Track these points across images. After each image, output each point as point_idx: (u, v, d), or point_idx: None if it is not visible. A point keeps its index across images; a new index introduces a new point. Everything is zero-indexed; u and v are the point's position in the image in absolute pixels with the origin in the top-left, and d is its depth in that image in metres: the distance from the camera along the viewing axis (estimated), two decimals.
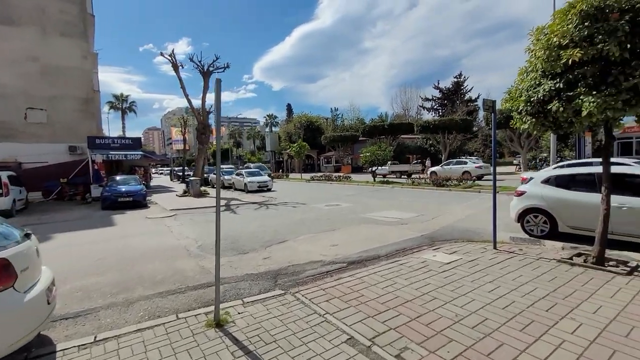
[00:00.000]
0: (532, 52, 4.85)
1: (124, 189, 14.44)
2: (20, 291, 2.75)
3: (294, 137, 49.54)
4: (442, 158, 32.54)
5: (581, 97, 4.19)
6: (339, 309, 3.80)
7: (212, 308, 3.78)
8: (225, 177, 25.25)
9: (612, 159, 6.23)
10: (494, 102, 5.90)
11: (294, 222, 9.60)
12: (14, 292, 2.68)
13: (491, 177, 22.63)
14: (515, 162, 34.34)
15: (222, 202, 14.93)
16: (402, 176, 28.16)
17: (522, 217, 7.08)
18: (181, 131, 39.07)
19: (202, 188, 20.27)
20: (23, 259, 2.89)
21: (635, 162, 9.26)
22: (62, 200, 18.56)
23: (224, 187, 24.74)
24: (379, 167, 25.54)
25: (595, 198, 5.92)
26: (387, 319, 3.52)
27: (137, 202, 14.23)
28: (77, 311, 4.03)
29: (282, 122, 75.62)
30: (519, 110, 5.10)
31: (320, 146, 48.51)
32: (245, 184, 21.00)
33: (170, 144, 67.87)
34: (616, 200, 5.43)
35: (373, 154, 23.36)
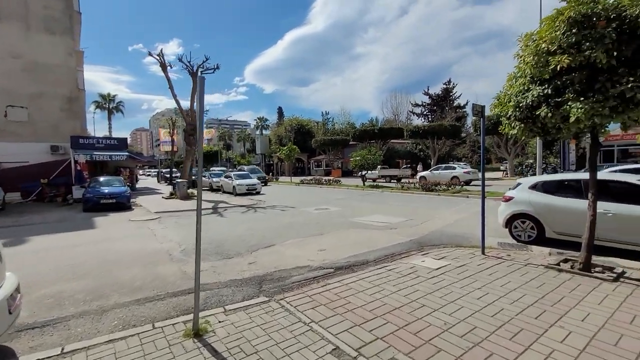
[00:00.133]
0: (521, 57, 4.85)
1: (106, 191, 14.00)
2: None
3: (284, 140, 49.35)
4: (431, 163, 32.87)
5: (569, 104, 4.20)
6: (325, 317, 3.66)
7: (191, 316, 3.59)
8: (214, 179, 24.89)
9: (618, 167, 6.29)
10: (483, 107, 5.89)
11: (282, 226, 9.43)
12: None
13: (479, 182, 22.91)
14: (502, 168, 34.95)
15: (209, 205, 14.64)
16: (392, 180, 28.27)
17: (509, 222, 7.09)
18: (169, 132, 38.42)
19: (190, 190, 19.88)
20: None
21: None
22: (42, 201, 17.91)
23: (212, 190, 24.36)
24: (369, 172, 25.58)
25: (580, 204, 5.97)
26: (374, 327, 3.40)
27: (121, 204, 13.81)
28: (46, 320, 3.78)
29: (273, 125, 75.34)
30: (507, 116, 5.10)
31: (311, 150, 48.45)
32: (233, 186, 20.70)
33: (159, 145, 66.75)
34: (601, 206, 5.46)
35: (363, 158, 23.38)
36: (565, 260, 5.32)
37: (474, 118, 36.33)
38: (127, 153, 21.90)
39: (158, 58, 18.29)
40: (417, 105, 56.12)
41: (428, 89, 55.04)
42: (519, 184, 7.27)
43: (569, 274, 4.86)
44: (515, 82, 5.03)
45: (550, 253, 6.03)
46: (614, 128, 5.18)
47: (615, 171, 10.18)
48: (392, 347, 3.02)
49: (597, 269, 4.91)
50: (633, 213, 5.44)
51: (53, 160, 19.52)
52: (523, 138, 5.35)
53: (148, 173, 64.31)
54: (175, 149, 42.16)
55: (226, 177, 22.91)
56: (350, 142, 43.16)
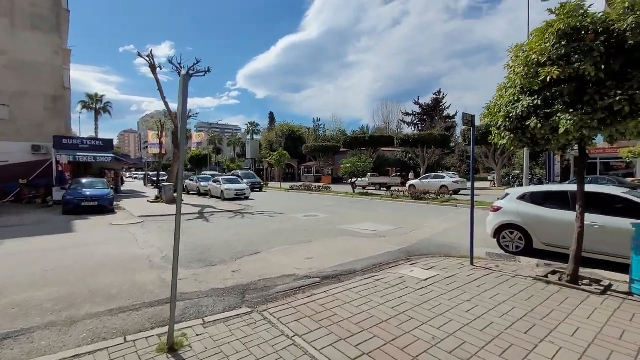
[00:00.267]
0: (511, 68, 4.87)
1: (88, 193, 13.53)
2: None
3: (275, 146, 49.11)
4: (421, 172, 33.13)
5: (558, 115, 4.19)
6: (310, 330, 3.49)
7: (167, 329, 3.37)
8: (202, 183, 24.47)
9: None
10: (473, 116, 5.89)
11: (270, 233, 9.23)
12: None
13: (467, 191, 23.04)
14: (489, 178, 35.50)
15: (195, 210, 14.31)
16: (382, 188, 28.31)
17: (498, 232, 7.07)
18: (158, 135, 37.80)
19: (176, 194, 19.47)
20: None
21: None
22: (21, 202, 17.22)
23: (200, 194, 23.92)
24: (359, 179, 25.57)
25: (568, 216, 5.98)
26: (360, 342, 3.25)
27: (103, 207, 13.35)
28: (7, 332, 3.50)
29: (264, 130, 75.12)
30: (497, 126, 5.09)
31: (301, 156, 48.32)
32: (222, 191, 20.36)
33: (146, 147, 65.58)
34: (588, 218, 5.47)
35: (353, 165, 23.37)
36: (553, 272, 5.30)
37: (463, 128, 36.94)
38: (112, 155, 21.35)
39: (147, 59, 17.99)
40: (407, 114, 56.84)
41: (419, 99, 55.92)
42: (507, 194, 7.28)
43: (557, 286, 4.82)
44: (505, 92, 5.03)
45: (538, 264, 6.01)
46: (599, 141, 5.20)
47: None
48: None
49: (584, 282, 4.89)
50: (619, 226, 5.46)
51: (34, 160, 18.85)
52: (512, 148, 5.35)
53: (135, 176, 63.01)
54: (163, 151, 41.46)
55: (214, 181, 22.53)
56: (341, 149, 43.23)
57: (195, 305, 4.24)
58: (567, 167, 27.65)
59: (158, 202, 18.13)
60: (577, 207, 4.88)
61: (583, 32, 4.13)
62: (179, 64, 18.67)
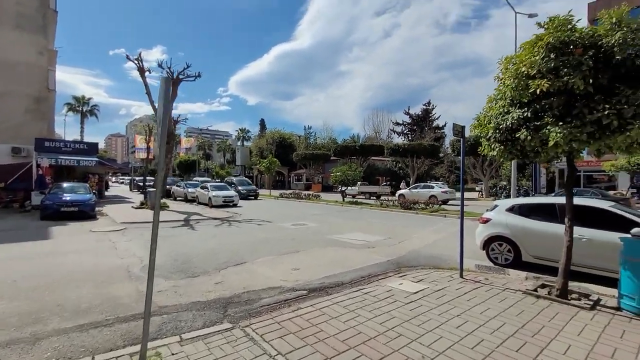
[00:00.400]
0: (501, 80, 4.87)
1: (68, 198, 13.01)
2: None
3: (265, 153, 48.83)
4: (410, 181, 33.34)
5: (548, 127, 4.18)
6: (294, 348, 3.30)
7: (140, 347, 3.13)
8: (189, 189, 24.00)
9: None
10: (463, 127, 5.87)
11: (256, 242, 8.99)
12: None
13: (455, 201, 23.17)
14: (477, 188, 35.98)
15: (181, 217, 13.93)
16: (371, 197, 28.32)
17: (487, 244, 7.03)
18: (145, 139, 37.10)
19: (162, 201, 18.99)
20: None
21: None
22: None
23: (187, 201, 23.43)
24: (349, 187, 25.53)
25: (556, 228, 5.98)
26: None
27: (84, 212, 12.86)
28: None
29: (255, 136, 74.78)
30: (487, 137, 5.07)
31: (292, 163, 48.16)
32: (209, 198, 19.98)
33: (134, 152, 64.43)
34: (576, 231, 5.44)
35: (344, 173, 23.33)
36: (543, 286, 5.24)
37: (452, 139, 37.49)
38: (96, 159, 20.79)
39: (136, 62, 17.68)
40: (398, 124, 57.51)
41: (409, 109, 56.73)
42: (496, 205, 7.27)
43: (547, 300, 4.75)
44: (495, 104, 5.03)
45: (527, 277, 5.96)
46: (583, 154, 5.21)
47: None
48: None
49: (573, 296, 4.84)
50: (606, 239, 5.47)
51: (14, 163, 18.14)
52: (501, 159, 5.33)
53: (121, 180, 61.68)
54: (151, 156, 40.72)
55: (202, 187, 22.11)
56: (332, 158, 43.28)
57: (173, 320, 3.99)
58: (552, 179, 28.24)
59: (143, 208, 17.64)
60: (566, 220, 4.85)
61: (571, 47, 4.16)
62: (169, 67, 18.42)
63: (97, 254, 7.32)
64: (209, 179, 33.39)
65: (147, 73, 18.70)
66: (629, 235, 4.45)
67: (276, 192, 32.66)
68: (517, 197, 18.17)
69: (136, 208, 17.70)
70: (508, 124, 4.62)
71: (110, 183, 47.16)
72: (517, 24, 16.01)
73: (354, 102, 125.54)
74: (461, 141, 5.95)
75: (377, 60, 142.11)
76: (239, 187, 26.68)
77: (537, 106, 4.39)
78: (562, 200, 6.16)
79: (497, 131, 4.81)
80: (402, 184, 32.49)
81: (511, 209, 6.86)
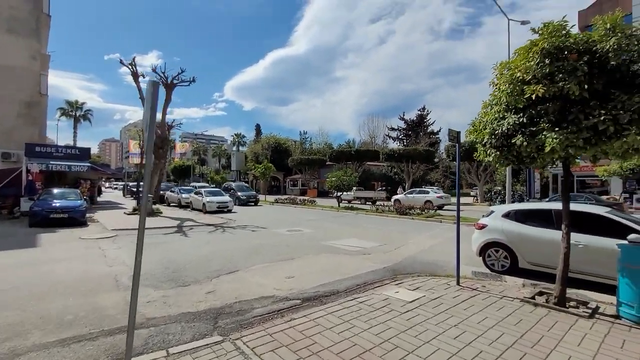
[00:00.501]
0: (496, 85, 4.84)
1: (57, 204, 12.73)
2: None
3: (260, 158, 48.67)
4: (406, 186, 33.38)
5: (544, 133, 4.14)
6: None
7: None
8: (183, 195, 23.74)
9: None
10: (458, 133, 5.83)
11: (250, 249, 8.83)
12: None
13: (451, 206, 23.13)
14: (472, 193, 36.13)
15: (174, 224, 13.72)
16: (367, 202, 28.26)
17: (483, 251, 6.96)
18: (139, 144, 36.81)
19: (155, 206, 18.74)
20: None
21: None
22: None
23: (181, 207, 23.16)
24: (344, 193, 25.45)
25: (552, 234, 5.94)
26: None
27: (74, 219, 12.58)
28: None
29: (250, 141, 74.57)
30: (483, 143, 5.02)
31: (287, 168, 48.03)
32: (203, 203, 19.75)
33: (128, 157, 63.88)
34: (572, 237, 5.40)
35: (339, 179, 23.25)
36: (540, 294, 5.16)
37: (447, 144, 37.71)
38: (88, 164, 20.48)
39: (130, 67, 17.57)
40: (393, 129, 57.74)
41: (404, 115, 57.00)
42: (492, 211, 7.22)
43: (545, 308, 4.67)
44: (491, 109, 4.99)
45: (524, 284, 5.89)
46: (579, 161, 5.18)
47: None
48: None
49: (571, 304, 4.77)
50: (603, 245, 5.43)
51: (3, 168, 17.80)
52: (497, 165, 5.29)
53: (115, 186, 60.94)
54: (144, 161, 40.34)
55: (196, 193, 21.88)
56: (327, 163, 43.26)
57: (161, 333, 3.83)
58: (546, 184, 28.42)
59: (136, 214, 17.35)
60: (563, 226, 4.79)
61: (566, 52, 4.14)
62: (163, 72, 18.32)
63: (85, 262, 7.11)
64: (207, 185, 32.62)
65: (141, 78, 18.60)
66: (626, 242, 4.42)
67: (271, 198, 32.49)
68: (512, 202, 18.24)
69: (129, 214, 17.42)
70: (504, 129, 4.57)
71: (103, 189, 46.57)
72: (509, 31, 16.18)
73: (350, 108, 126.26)
74: (456, 147, 5.90)
75: (372, 67, 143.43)
76: (238, 193, 25.87)
77: (533, 112, 4.36)
78: (558, 206, 6.12)
79: (493, 137, 4.77)
80: (400, 190, 32.50)
81: (507, 215, 6.81)
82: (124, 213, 18.05)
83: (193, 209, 21.20)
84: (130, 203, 24.13)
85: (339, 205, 23.16)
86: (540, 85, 4.10)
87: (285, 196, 33.22)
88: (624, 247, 4.39)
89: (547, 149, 4.07)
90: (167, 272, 6.38)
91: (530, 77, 4.25)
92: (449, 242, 9.97)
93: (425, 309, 4.58)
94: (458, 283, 5.75)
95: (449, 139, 5.83)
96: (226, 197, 21.26)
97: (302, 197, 30.92)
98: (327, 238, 10.62)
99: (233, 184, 30.04)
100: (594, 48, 4.04)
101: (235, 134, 79.81)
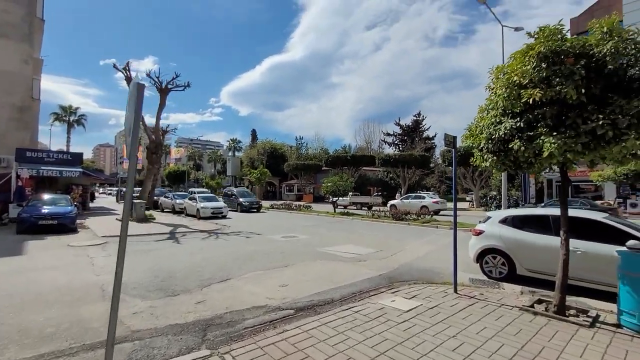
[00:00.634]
0: (492, 90, 4.78)
1: (46, 210, 12.44)
2: None
3: (256, 163, 48.47)
4: (402, 192, 33.34)
5: (542, 138, 4.06)
6: None
7: None
8: (177, 201, 23.46)
9: None
10: (454, 137, 5.75)
11: (244, 256, 8.64)
12: None
13: (447, 212, 23.02)
14: (468, 198, 36.18)
15: (167, 230, 13.47)
16: (363, 208, 28.15)
17: (480, 257, 6.85)
18: None
19: (148, 212, 18.45)
20: None
21: None
22: None
23: (175, 212, 22.86)
24: (340, 198, 25.29)
25: (550, 241, 5.85)
26: None
27: (63, 225, 12.29)
28: None
29: (246, 147, 74.40)
30: (480, 147, 4.94)
31: (283, 174, 47.87)
32: (197, 209, 19.51)
33: (122, 162, 63.37)
34: (570, 244, 5.31)
35: (335, 184, 23.13)
36: (539, 301, 5.05)
37: (442, 149, 37.90)
38: (80, 169, 20.20)
39: (123, 71, 17.42)
40: (389, 134, 57.94)
41: (399, 120, 57.22)
42: (489, 217, 7.13)
43: (545, 317, 4.55)
44: (487, 114, 4.92)
45: (522, 292, 5.78)
46: (576, 166, 5.10)
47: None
48: None
49: (571, 312, 4.66)
50: (602, 252, 5.35)
51: None
52: (494, 170, 5.21)
53: (109, 191, 60.28)
54: (139, 166, 39.92)
55: (190, 199, 21.61)
56: (323, 168, 43.16)
57: (146, 347, 3.64)
58: (541, 189, 28.57)
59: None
60: (561, 232, 4.70)
61: (562, 56, 4.09)
62: (157, 77, 18.20)
63: (71, 271, 6.88)
64: (206, 191, 31.82)
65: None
66: (625, 248, 4.33)
67: (267, 203, 32.23)
68: (508, 207, 18.22)
69: (120, 220, 17.11)
70: (500, 134, 4.50)
71: (97, 194, 46.00)
72: (503, 38, 16.32)
73: (346, 114, 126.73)
74: (453, 152, 5.82)
75: (368, 73, 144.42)
76: (240, 199, 24.79)
77: (530, 116, 4.28)
78: (555, 211, 6.06)
79: (490, 141, 4.69)
80: (398, 195, 32.42)
81: (504, 221, 6.72)
82: (116, 219, 17.76)
83: (187, 214, 20.93)
84: (123, 209, 23.76)
85: (334, 211, 23.01)
86: (538, 89, 4.03)
87: (281, 201, 33.01)
88: (624, 254, 4.30)
89: (545, 153, 3.99)
90: (156, 281, 6.18)
91: (527, 81, 4.19)
92: (445, 248, 9.86)
93: (423, 319, 4.43)
94: (456, 291, 5.62)
95: (445, 143, 5.75)
96: (221, 203, 21.03)
97: (297, 203, 30.73)
98: (323, 244, 10.46)
99: (234, 190, 28.36)
100: (591, 52, 3.99)
101: (231, 139, 79.71)
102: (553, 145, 3.90)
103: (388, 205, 25.73)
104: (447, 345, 3.68)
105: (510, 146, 4.40)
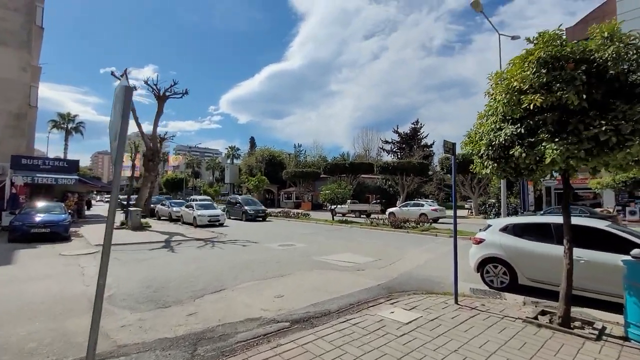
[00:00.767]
0: (491, 95, 4.70)
1: (39, 218, 12.21)
2: None
3: (254, 171, 48.38)
4: (400, 199, 33.20)
5: (544, 144, 3.97)
6: None
7: None
8: (174, 209, 23.21)
9: None
10: (454, 144, 5.66)
11: (239, 265, 8.44)
12: None
13: (446, 219, 22.79)
14: (466, 206, 36.05)
15: (162, 238, 13.25)
16: (361, 215, 27.96)
17: (481, 266, 6.70)
18: (131, 156, 36.32)
19: (144, 220, 18.22)
20: None
21: None
22: None
23: (172, 220, 22.60)
24: (339, 206, 25.11)
25: (552, 249, 5.71)
26: None
27: (56, 234, 12.06)
28: None
29: (245, 154, 74.37)
30: (480, 154, 4.83)
31: (282, 181, 47.74)
32: (194, 217, 19.27)
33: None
34: (573, 252, 5.19)
35: (333, 191, 22.98)
36: (543, 313, 4.89)
37: (440, 157, 37.91)
38: (76, 176, 20.01)
39: (120, 79, 17.36)
40: (387, 142, 58.04)
41: (397, 128, 57.41)
42: (489, 225, 6.99)
43: (549, 329, 4.39)
44: (487, 120, 4.83)
45: (524, 302, 5.62)
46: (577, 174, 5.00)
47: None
48: None
49: (576, 324, 4.50)
50: (606, 261, 5.21)
51: None
52: (495, 177, 5.09)
53: (106, 199, 59.86)
54: (137, 174, 39.72)
55: (187, 206, 21.40)
56: (322, 175, 43.04)
57: None
58: (540, 197, 28.49)
59: (123, 228, 16.84)
60: (565, 241, 4.56)
61: (562, 61, 4.02)
62: (155, 84, 18.19)
63: (60, 281, 6.67)
64: (208, 198, 31.08)
65: (133, 90, 18.40)
66: (630, 258, 4.20)
67: None
68: (507, 215, 18.10)
69: (116, 228, 16.85)
70: (501, 140, 4.40)
71: (93, 202, 45.65)
72: (500, 46, 16.41)
73: (344, 121, 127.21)
74: (452, 158, 5.72)
75: (366, 81, 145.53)
76: (245, 207, 23.49)
77: (531, 122, 4.19)
78: (557, 219, 5.94)
79: (490, 148, 4.59)
80: (398, 202, 32.25)
81: (505, 229, 6.59)
82: None
83: (184, 222, 20.69)
84: (119, 217, 23.51)
85: (333, 219, 22.81)
86: (538, 95, 3.94)
87: (279, 209, 32.79)
88: (630, 263, 4.17)
89: (547, 160, 3.88)
90: (148, 291, 5.98)
91: (527, 86, 4.11)
92: (445, 256, 9.70)
93: (423, 332, 4.26)
94: (456, 302, 5.45)
95: (444, 150, 5.65)
96: (218, 211, 20.82)
97: (296, 210, 30.55)
98: (320, 253, 10.27)
99: (239, 198, 26.62)
100: (592, 57, 3.92)
101: (230, 147, 79.69)
102: (555, 151, 3.80)
103: (387, 213, 25.56)
104: None
105: (511, 153, 4.31)
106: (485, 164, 4.77)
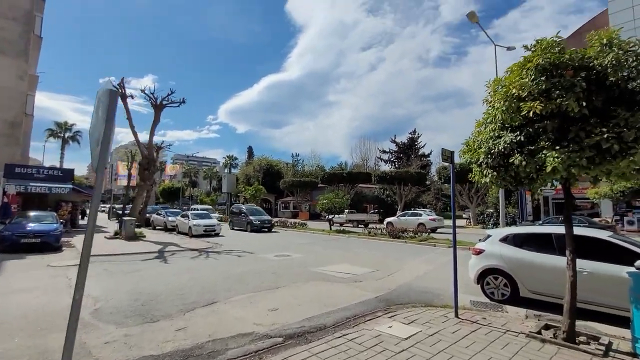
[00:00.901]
0: (490, 103, 4.62)
1: (30, 228, 11.95)
2: None
3: (252, 180, 48.14)
4: (398, 209, 33.05)
5: (544, 152, 3.87)
6: None
7: None
8: (169, 218, 22.94)
9: None
10: (452, 152, 5.56)
11: (233, 276, 8.22)
12: None
13: (444, 229, 22.58)
14: (464, 215, 35.94)
15: (156, 249, 12.99)
16: (359, 225, 27.73)
17: (481, 278, 6.52)
18: (127, 166, 36.07)
19: (139, 230, 17.92)
20: None
21: None
22: None
23: (167, 230, 22.30)
24: (336, 215, 24.90)
25: (554, 260, 5.57)
26: None
27: (47, 244, 11.78)
28: None
29: (242, 164, 74.21)
30: (479, 163, 4.73)
31: (279, 191, 47.51)
32: (189, 227, 19.01)
33: (117, 179, 62.69)
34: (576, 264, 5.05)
35: (331, 201, 22.80)
36: (547, 327, 4.71)
37: (438, 166, 37.89)
38: (70, 185, 19.76)
39: (117, 88, 17.34)
40: (384, 152, 58.18)
41: (395, 138, 57.62)
42: (489, 235, 6.85)
43: (554, 345, 4.21)
44: (485, 128, 4.74)
45: (527, 316, 5.44)
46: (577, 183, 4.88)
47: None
48: None
49: (582, 339, 4.33)
50: (609, 272, 5.07)
51: None
52: (494, 187, 4.98)
53: (103, 209, 59.32)
54: (133, 183, 39.40)
55: (182, 216, 21.13)
56: (319, 185, 42.91)
57: None
58: (538, 206, 28.43)
59: (117, 238, 16.53)
60: (567, 252, 4.42)
61: (561, 68, 3.96)
62: (152, 93, 18.17)
63: (47, 293, 6.43)
64: (211, 208, 30.17)
65: (129, 99, 18.39)
66: (635, 269, 4.05)
67: None
68: (506, 224, 17.95)
69: (109, 238, 16.58)
70: (500, 148, 4.30)
71: (87, 211, 45.09)
72: (496, 57, 16.57)
73: (342, 131, 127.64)
74: (450, 167, 5.62)
75: (363, 92, 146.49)
76: (250, 217, 22.42)
77: (530, 130, 4.11)
78: (558, 229, 5.80)
79: (489, 156, 4.48)
80: (398, 212, 32.05)
81: (505, 239, 6.44)
82: (105, 237, 17.18)
83: (179, 232, 20.39)
84: (113, 226, 23.18)
85: (330, 229, 22.58)
86: (538, 101, 3.86)
87: (277, 219, 32.51)
88: (635, 275, 4.02)
89: (549, 168, 3.77)
90: (136, 304, 5.75)
91: (525, 93, 4.03)
92: (444, 267, 9.51)
93: (422, 348, 4.07)
94: (457, 315, 5.26)
95: (442, 159, 5.55)
96: (214, 220, 20.54)
97: (293, 220, 30.28)
98: (317, 264, 10.05)
99: (243, 207, 25.08)
100: (591, 64, 3.86)
101: (228, 156, 79.58)
102: (557, 159, 3.69)
103: (385, 222, 25.37)
104: None
105: (510, 161, 4.20)
106: (485, 172, 4.66)
